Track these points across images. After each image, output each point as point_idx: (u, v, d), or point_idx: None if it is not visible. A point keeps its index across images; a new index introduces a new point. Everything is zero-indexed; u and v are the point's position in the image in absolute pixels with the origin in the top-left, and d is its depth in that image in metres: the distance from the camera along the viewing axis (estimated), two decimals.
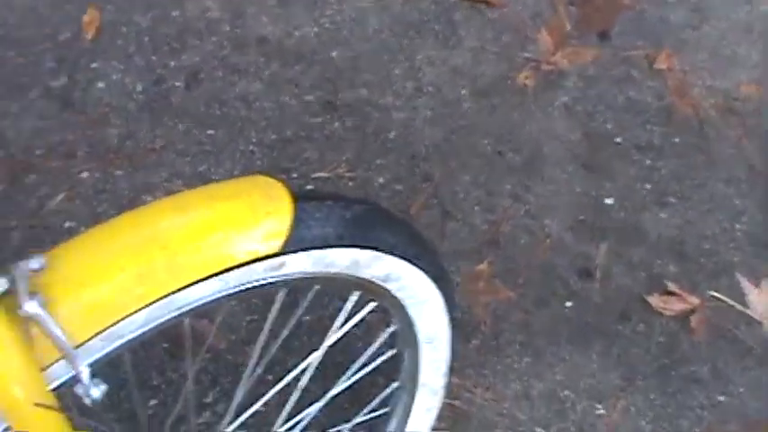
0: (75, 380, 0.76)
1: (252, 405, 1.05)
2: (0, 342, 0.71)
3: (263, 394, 1.04)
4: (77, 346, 0.76)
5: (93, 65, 1.77)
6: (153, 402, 1.42)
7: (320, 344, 0.98)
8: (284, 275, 0.84)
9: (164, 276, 0.78)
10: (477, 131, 1.77)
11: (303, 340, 1.45)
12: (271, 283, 0.85)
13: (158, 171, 1.66)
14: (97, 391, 0.76)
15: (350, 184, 1.65)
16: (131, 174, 1.65)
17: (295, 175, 1.65)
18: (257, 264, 0.81)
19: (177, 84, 1.77)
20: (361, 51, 1.86)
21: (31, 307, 0.72)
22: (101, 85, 1.73)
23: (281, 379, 1.02)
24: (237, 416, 1.03)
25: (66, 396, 0.78)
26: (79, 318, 0.76)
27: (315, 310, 1.48)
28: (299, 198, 0.85)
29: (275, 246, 0.82)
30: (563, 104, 1.83)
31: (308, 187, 1.65)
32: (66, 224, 1.59)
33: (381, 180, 1.66)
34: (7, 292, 0.73)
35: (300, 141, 1.72)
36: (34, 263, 0.75)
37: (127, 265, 0.77)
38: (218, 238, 0.80)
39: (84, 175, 1.64)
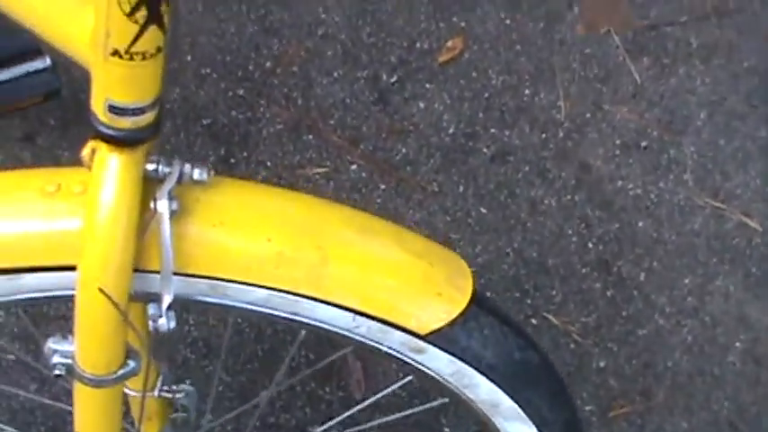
0: (153, 299, 0.70)
1: None
2: (121, 200, 0.66)
3: None
4: (177, 273, 0.70)
5: None
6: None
7: None
8: (417, 363, 0.77)
9: (302, 274, 0.71)
10: None
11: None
12: (403, 361, 0.78)
13: None
14: (169, 324, 0.70)
15: None
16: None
17: None
18: (398, 331, 0.74)
19: None
20: None
21: (162, 206, 0.67)
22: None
23: None
24: None
25: None
26: (198, 250, 0.70)
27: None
28: (478, 301, 0.78)
29: (425, 327, 0.75)
30: None
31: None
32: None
33: None
34: (158, 180, 0.68)
35: None
36: (198, 173, 0.69)
37: (277, 238, 0.70)
38: (375, 279, 0.73)
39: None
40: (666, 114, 1.78)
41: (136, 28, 0.58)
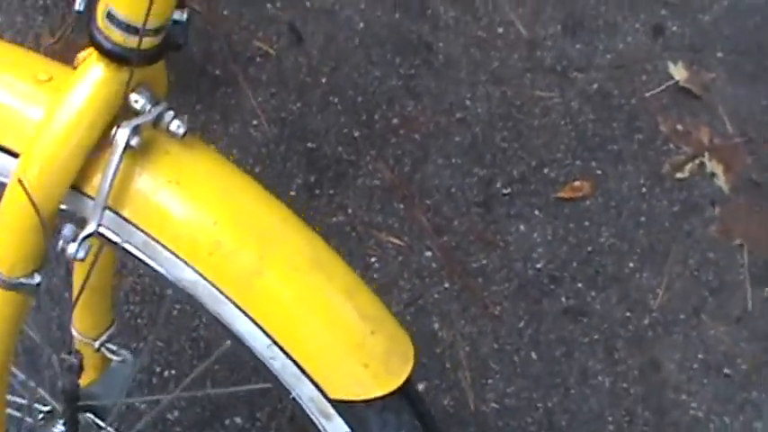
0: (74, 220, 0.67)
1: None
2: (86, 109, 0.63)
3: None
4: (110, 208, 0.67)
5: None
6: None
7: None
8: (322, 427, 0.72)
9: (232, 273, 0.67)
10: None
11: None
12: (309, 419, 0.73)
13: None
14: (78, 252, 0.67)
15: None
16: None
17: None
18: (311, 383, 0.70)
19: None
20: None
21: (121, 135, 0.64)
22: None
23: None
24: None
25: None
26: (141, 198, 0.66)
27: None
28: (407, 394, 0.72)
29: (336, 391, 0.70)
30: None
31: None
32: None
33: None
34: (136, 113, 0.66)
35: None
36: (176, 125, 0.66)
37: (223, 226, 0.66)
38: (306, 317, 0.69)
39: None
40: (765, 354, 1.65)
41: None
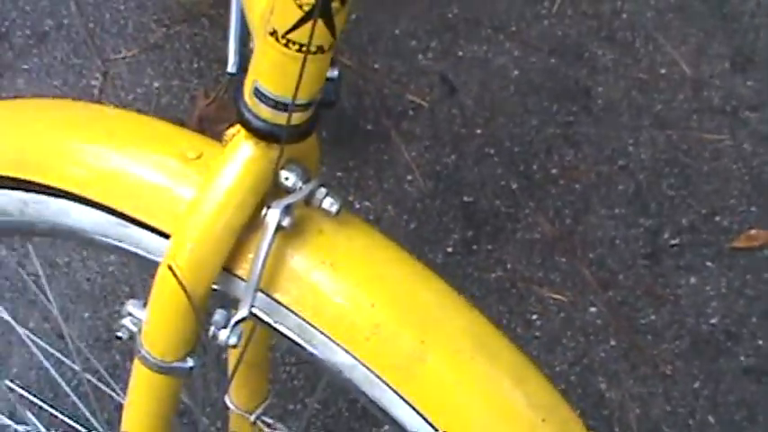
0: (225, 304, 0.64)
1: None
2: (237, 189, 0.60)
3: None
4: (263, 291, 0.64)
5: None
6: None
7: None
8: None
9: (393, 360, 0.62)
10: None
11: None
12: None
13: None
14: (229, 338, 0.64)
15: None
16: None
17: None
18: None
19: None
20: None
21: (272, 215, 0.60)
22: None
23: None
24: None
25: None
26: (294, 280, 0.63)
27: None
28: None
29: None
30: None
31: None
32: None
33: None
34: (287, 192, 0.62)
35: None
36: (330, 203, 0.63)
37: (381, 308, 0.61)
38: (472, 405, 0.63)
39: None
40: None
41: (299, 14, 0.53)
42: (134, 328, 0.69)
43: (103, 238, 0.70)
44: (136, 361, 0.69)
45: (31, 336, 1.08)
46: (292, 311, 0.64)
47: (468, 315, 0.66)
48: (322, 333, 0.64)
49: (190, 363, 0.68)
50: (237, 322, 0.63)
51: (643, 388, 1.46)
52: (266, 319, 0.66)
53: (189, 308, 0.64)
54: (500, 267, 1.52)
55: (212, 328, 0.63)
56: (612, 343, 1.49)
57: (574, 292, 1.51)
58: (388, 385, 0.65)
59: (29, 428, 1.02)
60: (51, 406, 1.11)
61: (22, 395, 1.12)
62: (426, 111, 1.63)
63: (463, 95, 1.64)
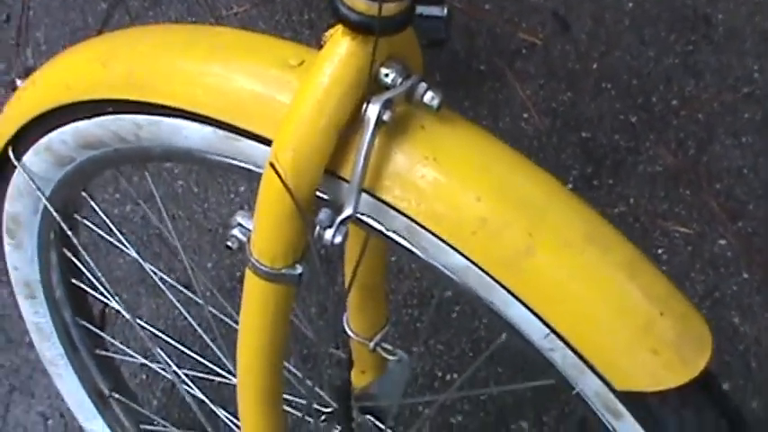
0: (330, 206, 0.64)
1: None
2: (336, 86, 0.60)
3: None
4: (366, 191, 0.63)
5: None
6: None
7: None
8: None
9: (500, 254, 0.62)
10: None
11: None
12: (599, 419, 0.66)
13: None
14: (334, 238, 0.64)
15: None
16: None
17: None
18: (594, 375, 0.63)
19: None
20: None
21: (372, 110, 0.60)
22: None
23: None
24: None
25: None
26: (397, 177, 0.62)
27: None
28: (705, 386, 0.63)
29: (624, 382, 0.62)
30: None
31: None
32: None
33: None
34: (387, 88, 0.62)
35: None
36: (430, 97, 0.62)
37: (487, 201, 0.61)
38: (583, 299, 0.62)
39: None
40: None
41: None
42: (243, 238, 0.69)
43: (215, 156, 0.71)
44: (247, 272, 0.70)
45: (165, 277, 1.11)
46: (397, 210, 0.64)
47: (578, 207, 0.65)
48: (428, 231, 0.64)
49: (299, 269, 0.69)
50: (343, 221, 0.63)
51: None
52: (371, 222, 0.65)
53: (294, 211, 0.64)
54: (622, 202, 1.48)
55: (317, 228, 0.63)
56: (745, 276, 1.43)
57: (701, 225, 1.46)
58: (500, 285, 0.64)
59: (161, 365, 1.06)
60: (182, 344, 1.14)
61: (153, 334, 1.16)
62: (540, 48, 1.60)
63: (577, 31, 1.60)
